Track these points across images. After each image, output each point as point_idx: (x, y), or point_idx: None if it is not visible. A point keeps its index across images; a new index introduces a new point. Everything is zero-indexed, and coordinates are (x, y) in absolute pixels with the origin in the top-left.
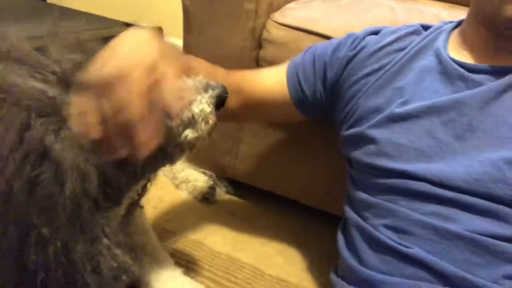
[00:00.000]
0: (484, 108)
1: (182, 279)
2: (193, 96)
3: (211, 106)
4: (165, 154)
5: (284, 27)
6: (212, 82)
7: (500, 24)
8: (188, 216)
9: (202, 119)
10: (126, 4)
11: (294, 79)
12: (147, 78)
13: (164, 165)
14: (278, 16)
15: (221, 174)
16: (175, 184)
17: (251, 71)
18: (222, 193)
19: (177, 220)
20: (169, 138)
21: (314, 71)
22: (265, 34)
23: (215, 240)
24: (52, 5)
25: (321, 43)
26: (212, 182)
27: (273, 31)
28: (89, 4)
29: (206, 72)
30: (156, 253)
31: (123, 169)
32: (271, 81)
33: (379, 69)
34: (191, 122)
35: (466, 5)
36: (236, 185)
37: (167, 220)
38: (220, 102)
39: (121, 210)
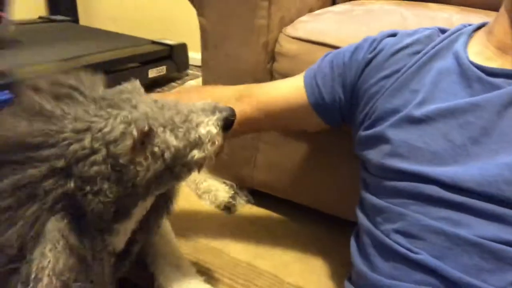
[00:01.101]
0: (501, 111)
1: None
2: (200, 118)
3: (218, 128)
4: (173, 173)
5: (296, 40)
6: (220, 105)
7: None
8: (210, 225)
9: (209, 140)
10: (153, 22)
11: (312, 84)
12: None
13: (171, 183)
14: (290, 30)
15: (241, 184)
16: (197, 195)
17: (268, 83)
18: (242, 203)
19: (199, 229)
20: (176, 158)
21: (333, 75)
22: (277, 48)
23: (235, 248)
24: (84, 27)
25: (332, 51)
26: (232, 192)
27: (285, 45)
28: (117, 24)
29: (219, 94)
30: (178, 262)
31: (124, 190)
32: (290, 88)
33: (397, 71)
34: (198, 143)
35: (478, 7)
36: (256, 195)
37: (189, 229)
38: (227, 124)
39: (132, 223)
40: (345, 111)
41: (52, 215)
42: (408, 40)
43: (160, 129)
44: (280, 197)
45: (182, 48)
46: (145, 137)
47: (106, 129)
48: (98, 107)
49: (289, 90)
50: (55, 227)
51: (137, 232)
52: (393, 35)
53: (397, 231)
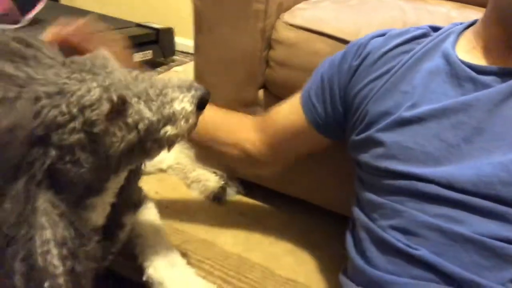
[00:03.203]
0: (493, 110)
1: (195, 279)
2: (175, 93)
3: (193, 106)
4: (144, 148)
5: (293, 28)
6: (195, 84)
7: None
8: (199, 216)
9: (183, 117)
10: (139, 5)
11: (309, 104)
12: None
13: (141, 159)
14: (287, 16)
15: (232, 174)
16: (186, 184)
17: (269, 114)
18: (233, 193)
19: (189, 220)
20: (149, 132)
21: (323, 88)
22: (274, 35)
23: (226, 240)
24: (65, 6)
25: (325, 60)
26: (223, 182)
27: (283, 32)
28: (101, 5)
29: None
30: (168, 253)
31: (99, 161)
32: (290, 115)
33: (386, 72)
34: (171, 119)
35: (476, 4)
36: (247, 185)
37: (178, 220)
38: (202, 104)
39: (108, 197)
40: (343, 122)
41: (39, 187)
42: (396, 41)
43: (135, 100)
44: (271, 188)
45: (168, 33)
46: (121, 106)
47: (80, 92)
48: (69, 71)
49: (291, 118)
50: (46, 198)
51: (118, 206)
52: (382, 35)
53: (394, 228)
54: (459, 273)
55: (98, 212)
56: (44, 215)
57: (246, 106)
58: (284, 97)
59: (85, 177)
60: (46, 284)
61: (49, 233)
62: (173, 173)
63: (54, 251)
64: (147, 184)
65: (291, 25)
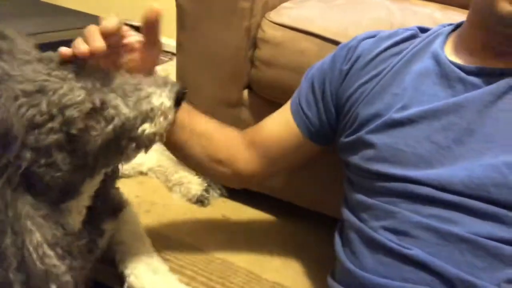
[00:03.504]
0: (483, 111)
1: (178, 286)
2: (151, 89)
3: (171, 101)
4: (119, 146)
5: (279, 27)
6: (170, 79)
7: (495, 23)
8: (182, 219)
9: (161, 113)
10: (119, 2)
11: (299, 113)
12: None
13: (118, 159)
14: (273, 15)
15: None
16: (168, 187)
17: (257, 127)
18: (216, 196)
19: (171, 224)
20: (125, 129)
21: (314, 94)
22: (260, 34)
23: (209, 243)
24: (46, 4)
25: (314, 65)
26: (205, 185)
27: (269, 31)
28: (81, 3)
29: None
30: (150, 260)
31: (77, 161)
32: (279, 127)
33: (376, 75)
34: (150, 116)
35: (459, 6)
36: (230, 188)
37: (160, 224)
38: (179, 99)
39: (83, 201)
40: (336, 126)
41: (16, 192)
42: (386, 43)
43: (112, 95)
44: (255, 190)
45: None
46: (100, 106)
47: (62, 91)
48: (48, 67)
49: (282, 130)
50: (26, 202)
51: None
52: (372, 36)
53: (386, 228)
54: (453, 273)
55: (74, 217)
56: (28, 219)
57: (230, 106)
58: (269, 98)
59: (60, 181)
60: (53, 287)
61: (38, 236)
62: (154, 176)
63: (50, 252)
64: (127, 187)
65: (277, 24)
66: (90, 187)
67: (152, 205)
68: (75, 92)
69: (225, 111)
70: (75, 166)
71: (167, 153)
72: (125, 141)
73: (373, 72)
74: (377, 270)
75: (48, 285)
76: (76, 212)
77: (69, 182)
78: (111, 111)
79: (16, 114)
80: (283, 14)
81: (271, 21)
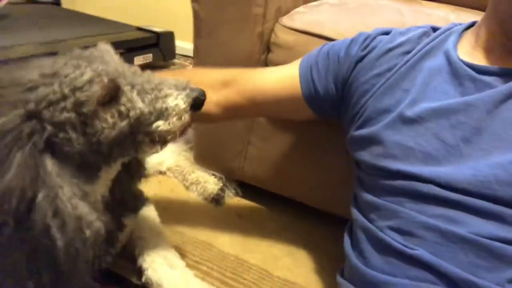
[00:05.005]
0: (492, 111)
1: (193, 281)
2: (170, 90)
3: (186, 104)
4: (134, 140)
5: (292, 31)
6: (192, 86)
7: None
8: (198, 217)
9: (176, 114)
10: (139, 8)
11: (307, 76)
12: None
13: (133, 152)
14: (286, 20)
15: (230, 176)
16: (185, 186)
17: (257, 70)
18: (231, 195)
19: (187, 221)
20: (140, 123)
21: (327, 68)
22: (273, 38)
23: (223, 241)
24: (67, 10)
25: (335, 41)
26: (221, 184)
27: (281, 35)
28: (102, 9)
29: (207, 77)
30: (167, 255)
31: (90, 145)
32: (282, 78)
33: (389, 69)
34: (164, 114)
35: (472, 7)
36: (245, 187)
37: (177, 221)
38: (197, 105)
39: (100, 188)
40: (336, 105)
41: (43, 154)
42: (400, 39)
43: (128, 88)
44: (269, 190)
45: (169, 36)
46: (113, 92)
47: (73, 75)
48: (67, 58)
49: (280, 81)
50: (53, 162)
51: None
52: (387, 33)
53: (392, 228)
54: (457, 273)
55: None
56: (58, 176)
57: None
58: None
59: (77, 157)
60: (87, 232)
61: (69, 191)
62: (172, 175)
63: (82, 203)
64: (146, 186)
65: (290, 28)
66: (107, 174)
67: (170, 203)
68: (84, 76)
69: None
70: (89, 149)
71: (185, 153)
72: (141, 135)
73: (386, 66)
74: (384, 269)
75: (83, 230)
76: (92, 197)
77: (85, 163)
78: (128, 104)
79: (26, 88)
80: (295, 19)
81: (284, 26)
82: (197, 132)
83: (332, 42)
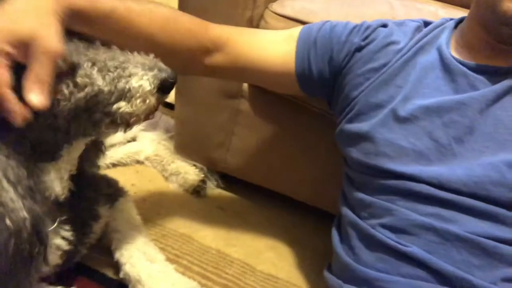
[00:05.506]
0: (484, 110)
1: (174, 276)
2: (135, 70)
3: (152, 86)
4: (92, 118)
5: (282, 18)
6: (162, 65)
7: (498, 22)
8: (178, 209)
9: (139, 96)
10: None
11: (303, 54)
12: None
13: (92, 131)
14: (276, 6)
15: (212, 167)
16: (164, 176)
17: (253, 37)
18: (212, 187)
19: (167, 214)
20: (99, 102)
21: (325, 50)
22: (262, 25)
23: (205, 234)
24: None
25: (338, 22)
26: (203, 175)
27: (271, 22)
28: None
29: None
30: (146, 249)
31: (45, 118)
32: (276, 50)
33: (384, 65)
34: (126, 95)
35: (461, 5)
36: (227, 179)
37: (156, 213)
38: (165, 87)
39: (64, 164)
40: (327, 91)
41: None
42: (398, 34)
43: (88, 64)
44: (253, 182)
45: None
46: (70, 67)
47: None
48: None
49: (276, 55)
50: None
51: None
52: (385, 25)
53: (384, 226)
54: (451, 271)
55: (54, 179)
56: None
57: (230, 97)
58: (270, 89)
59: (30, 134)
60: (7, 221)
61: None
62: (151, 165)
63: (9, 187)
64: (123, 176)
65: (280, 15)
66: (70, 152)
67: (148, 194)
68: None
69: (224, 102)
70: (43, 124)
71: (165, 142)
72: (99, 115)
73: (382, 61)
74: (376, 266)
75: (2, 220)
76: (56, 174)
77: (42, 140)
78: (85, 79)
79: None
80: (286, 6)
81: (274, 12)
82: (178, 121)
83: (335, 22)
